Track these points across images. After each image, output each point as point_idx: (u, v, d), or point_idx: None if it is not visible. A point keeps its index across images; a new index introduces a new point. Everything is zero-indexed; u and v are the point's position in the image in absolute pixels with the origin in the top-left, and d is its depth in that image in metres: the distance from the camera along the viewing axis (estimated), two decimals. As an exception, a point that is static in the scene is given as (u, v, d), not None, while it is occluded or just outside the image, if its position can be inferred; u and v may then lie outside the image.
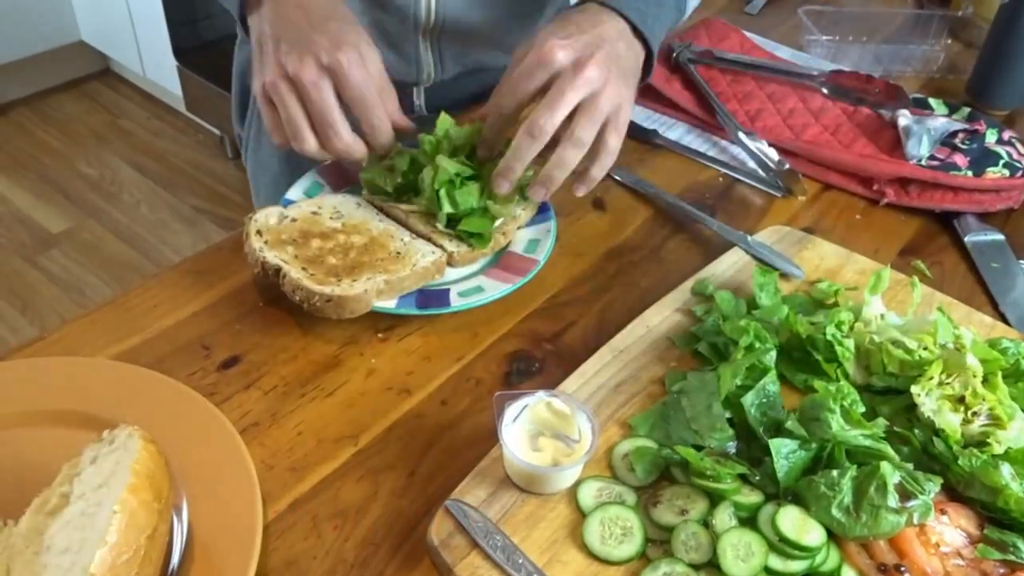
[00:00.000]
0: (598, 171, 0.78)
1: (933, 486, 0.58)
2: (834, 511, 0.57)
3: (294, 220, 0.79)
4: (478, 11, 1.00)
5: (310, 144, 0.75)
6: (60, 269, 2.50)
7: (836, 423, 0.61)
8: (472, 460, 0.63)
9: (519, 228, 0.84)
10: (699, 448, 0.63)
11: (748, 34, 1.24)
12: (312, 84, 0.72)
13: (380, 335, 0.76)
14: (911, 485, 0.57)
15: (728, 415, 0.65)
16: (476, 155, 0.82)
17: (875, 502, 0.56)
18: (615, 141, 0.76)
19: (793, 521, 0.57)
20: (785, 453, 0.60)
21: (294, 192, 0.86)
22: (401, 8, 0.97)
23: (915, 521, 0.56)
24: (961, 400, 0.64)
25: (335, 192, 0.87)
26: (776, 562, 0.56)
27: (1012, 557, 0.56)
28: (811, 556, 0.56)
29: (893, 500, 0.56)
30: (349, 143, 0.76)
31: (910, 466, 0.59)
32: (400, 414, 0.69)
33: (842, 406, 0.62)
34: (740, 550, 0.56)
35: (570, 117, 0.74)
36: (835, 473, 0.58)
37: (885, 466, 0.57)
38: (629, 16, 0.80)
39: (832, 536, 0.57)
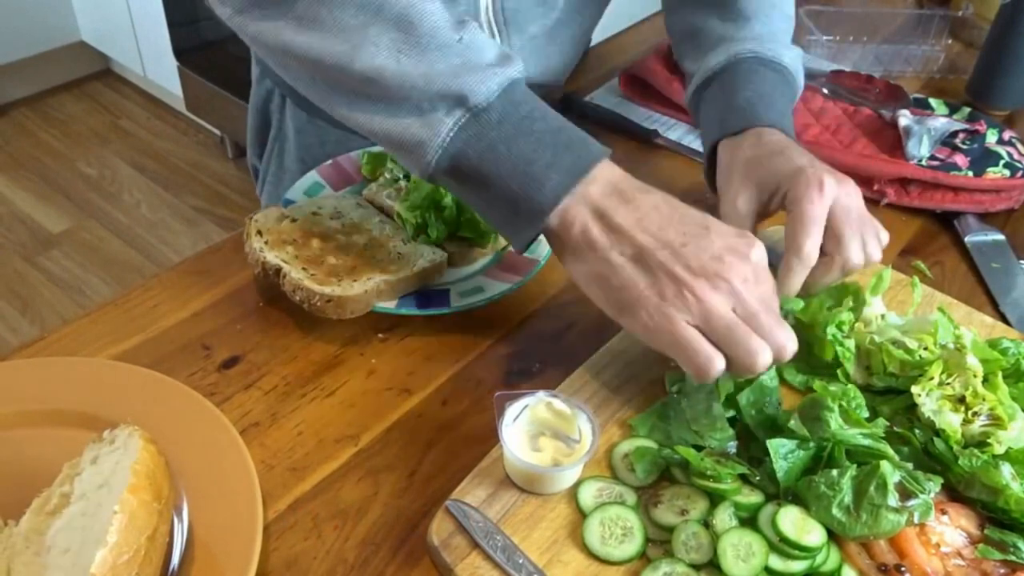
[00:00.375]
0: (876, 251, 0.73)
1: (933, 486, 0.58)
2: (834, 511, 0.57)
3: (294, 220, 0.79)
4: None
5: (719, 368, 0.61)
6: (60, 269, 2.50)
7: (835, 422, 0.61)
8: (472, 460, 0.63)
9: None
10: (699, 448, 0.63)
11: (748, 34, 1.23)
12: (719, 318, 0.60)
13: (380, 335, 0.76)
14: (911, 484, 0.57)
15: (729, 414, 0.65)
16: None
17: (875, 501, 0.56)
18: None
19: (793, 521, 0.57)
20: (784, 453, 0.60)
21: (294, 192, 0.86)
22: None
23: (915, 521, 0.56)
24: (961, 400, 0.64)
25: (335, 192, 0.87)
26: (776, 562, 0.56)
27: (1013, 557, 0.56)
28: (811, 556, 0.56)
29: (893, 499, 0.56)
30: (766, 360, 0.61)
31: (910, 466, 0.59)
32: (400, 414, 0.69)
33: (840, 406, 0.62)
34: (740, 550, 0.56)
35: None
36: (835, 473, 0.58)
37: (885, 465, 0.57)
38: (785, 130, 0.79)
39: (832, 536, 0.57)
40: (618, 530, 0.58)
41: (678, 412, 0.66)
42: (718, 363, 0.60)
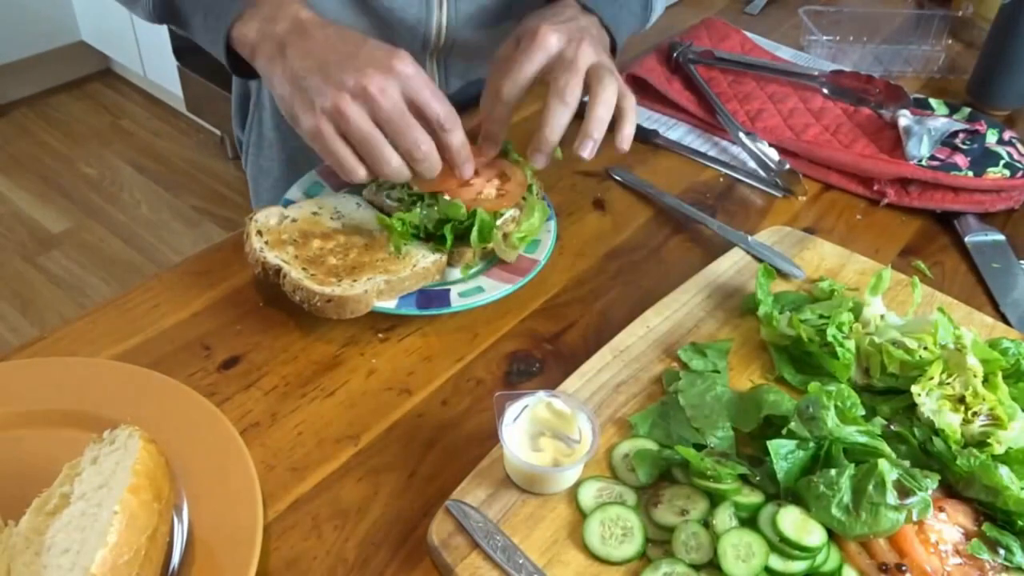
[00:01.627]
0: (630, 128, 0.80)
1: (931, 482, 0.58)
2: (834, 510, 0.57)
3: (294, 220, 0.79)
4: (486, 30, 1.00)
5: (359, 174, 0.73)
6: (61, 269, 2.50)
7: (831, 420, 0.61)
8: (472, 460, 0.63)
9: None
10: (700, 448, 0.63)
11: (748, 34, 1.24)
12: (345, 115, 0.69)
13: (380, 335, 0.76)
14: (909, 482, 0.57)
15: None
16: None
17: (874, 500, 0.56)
18: (630, 101, 0.79)
19: (794, 521, 0.57)
20: (784, 453, 0.60)
21: (294, 192, 0.86)
22: (412, 29, 0.97)
23: (914, 517, 0.56)
24: (961, 400, 0.64)
25: (335, 192, 0.87)
26: (777, 562, 0.56)
27: (1003, 561, 0.56)
28: (812, 556, 0.56)
29: (892, 497, 0.56)
30: (397, 167, 0.72)
31: (907, 463, 0.59)
32: (400, 414, 0.69)
33: (836, 405, 0.62)
34: (741, 550, 0.56)
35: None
36: (833, 472, 0.58)
37: (883, 463, 0.57)
38: (603, 17, 0.85)
39: (833, 536, 0.57)
40: (618, 530, 0.58)
41: (677, 411, 0.66)
42: (360, 171, 0.72)
